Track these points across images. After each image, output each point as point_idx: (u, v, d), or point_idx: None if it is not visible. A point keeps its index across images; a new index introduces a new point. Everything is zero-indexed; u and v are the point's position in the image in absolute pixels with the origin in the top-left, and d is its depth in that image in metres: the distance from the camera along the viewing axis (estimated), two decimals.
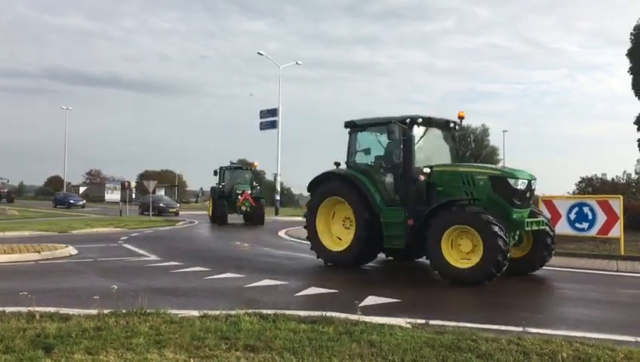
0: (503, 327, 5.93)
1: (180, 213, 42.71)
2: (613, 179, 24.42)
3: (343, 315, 6.07)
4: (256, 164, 33.46)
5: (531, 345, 4.95)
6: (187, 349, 4.77)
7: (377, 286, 9.23)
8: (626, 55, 29.51)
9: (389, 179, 11.06)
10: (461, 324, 5.98)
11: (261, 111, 42.77)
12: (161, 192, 61.57)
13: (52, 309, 6.27)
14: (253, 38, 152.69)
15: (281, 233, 21.72)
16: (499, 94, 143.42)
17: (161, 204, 40.26)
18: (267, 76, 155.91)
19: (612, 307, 7.73)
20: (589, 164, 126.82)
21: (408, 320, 6.09)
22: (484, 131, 70.01)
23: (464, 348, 4.84)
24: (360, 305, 6.71)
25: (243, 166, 34.25)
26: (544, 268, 10.46)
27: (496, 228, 8.85)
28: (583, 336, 5.47)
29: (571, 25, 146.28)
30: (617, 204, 13.00)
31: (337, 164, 11.96)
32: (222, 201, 27.52)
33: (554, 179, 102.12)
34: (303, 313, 6.23)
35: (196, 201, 75.23)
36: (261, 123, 42.56)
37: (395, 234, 10.45)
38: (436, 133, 11.48)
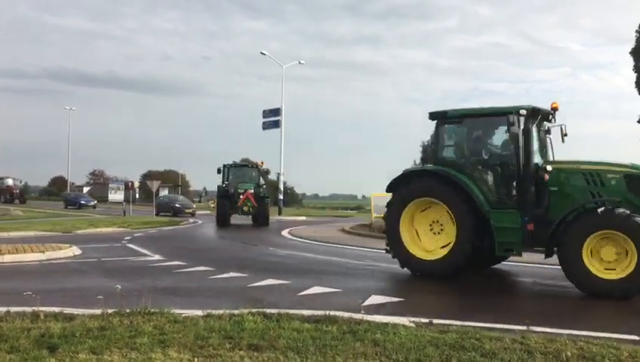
0: (507, 326, 5.93)
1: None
2: None
3: (346, 314, 6.07)
4: (262, 162, 30.07)
5: (535, 344, 4.95)
6: (191, 349, 4.78)
7: (380, 285, 9.22)
8: (630, 53, 29.40)
9: (494, 177, 9.79)
10: (465, 323, 5.98)
11: (264, 111, 42.78)
12: (165, 192, 61.66)
13: (56, 309, 6.29)
14: (254, 38, 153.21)
15: (285, 233, 21.73)
16: (502, 93, 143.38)
17: (176, 205, 38.62)
18: (268, 76, 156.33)
19: (617, 306, 7.70)
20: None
21: (412, 319, 6.09)
22: None
23: (468, 347, 4.83)
24: (363, 304, 6.72)
25: (248, 164, 32.22)
26: (549, 266, 10.37)
27: None
28: (587, 335, 5.47)
29: (574, 23, 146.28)
30: None
31: (425, 161, 10.65)
32: (224, 201, 26.12)
33: None
34: (306, 312, 6.24)
35: (199, 201, 75.31)
36: (264, 122, 42.55)
37: (511, 240, 9.22)
38: (540, 126, 10.05)
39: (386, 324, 5.64)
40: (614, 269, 8.06)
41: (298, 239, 18.99)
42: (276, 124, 41.52)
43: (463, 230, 9.46)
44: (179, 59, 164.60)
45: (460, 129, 10.38)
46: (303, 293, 8.17)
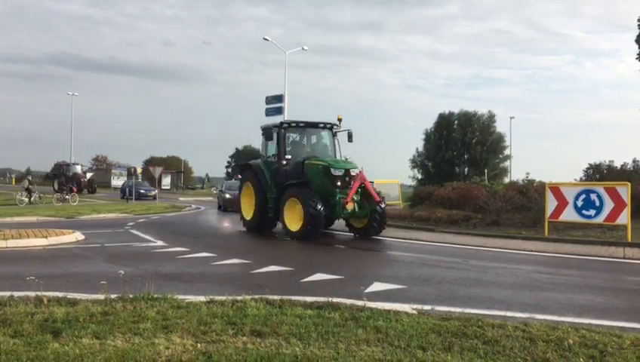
0: (509, 314, 5.93)
1: (187, 199, 42.87)
2: (622, 165, 24.25)
3: (348, 301, 6.08)
4: (340, 116, 15.92)
5: (537, 332, 4.95)
6: (194, 334, 4.79)
7: (383, 272, 9.24)
8: (635, 41, 29.14)
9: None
10: (467, 311, 5.99)
11: (267, 98, 42.60)
12: (167, 179, 61.69)
13: (60, 294, 6.31)
14: (256, 25, 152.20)
15: None
16: (505, 80, 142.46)
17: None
18: (271, 62, 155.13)
19: (618, 294, 7.71)
20: (597, 150, 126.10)
21: (414, 306, 6.10)
22: (491, 118, 69.61)
23: (470, 335, 4.84)
24: (366, 291, 6.73)
25: (324, 123, 16.12)
26: (550, 254, 10.43)
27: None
28: (589, 323, 5.47)
29: (577, 10, 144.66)
30: (625, 191, 12.94)
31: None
32: (272, 190, 15.34)
33: (561, 166, 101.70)
34: (309, 299, 6.25)
35: (202, 187, 75.46)
36: (267, 109, 42.37)
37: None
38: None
39: (389, 311, 5.65)
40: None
41: None
42: (279, 111, 41.35)
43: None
44: (181, 45, 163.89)
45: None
46: (305, 280, 8.19)
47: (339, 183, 14.00)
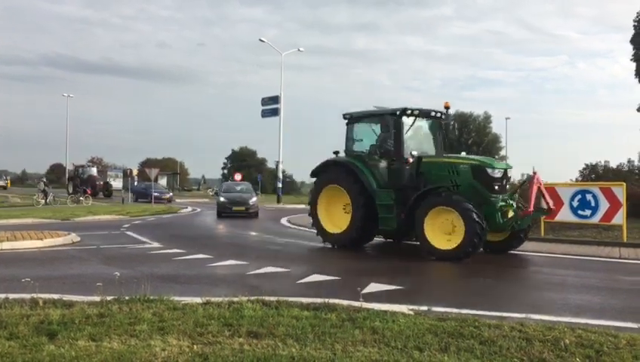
0: (505, 314, 5.94)
1: (183, 200, 42.77)
2: (617, 166, 24.37)
3: (345, 302, 6.08)
4: (447, 103, 12.51)
5: (534, 332, 4.95)
6: (190, 335, 4.78)
7: (379, 273, 9.23)
8: (630, 42, 29.26)
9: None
10: (463, 311, 5.99)
11: (263, 99, 42.70)
12: (164, 180, 61.54)
13: (55, 296, 6.29)
14: (251, 26, 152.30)
15: (284, 220, 21.74)
16: (499, 81, 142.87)
17: (155, 193, 38.08)
18: (267, 63, 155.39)
19: (614, 294, 7.73)
20: (592, 151, 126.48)
21: (411, 306, 6.10)
22: (486, 119, 69.87)
23: (467, 335, 4.84)
24: (362, 292, 6.72)
25: (432, 110, 12.58)
26: (546, 255, 10.45)
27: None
28: (585, 323, 5.48)
29: (571, 10, 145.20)
30: (620, 191, 12.98)
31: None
32: (382, 197, 11.88)
33: (557, 167, 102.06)
34: (305, 300, 6.24)
35: (198, 189, 75.39)
36: (263, 110, 42.50)
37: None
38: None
39: (385, 312, 5.65)
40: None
41: (297, 227, 19.01)
42: (275, 112, 41.46)
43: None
44: (176, 46, 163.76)
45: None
46: (302, 281, 8.19)
47: (497, 187, 10.89)
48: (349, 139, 12.84)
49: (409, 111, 11.86)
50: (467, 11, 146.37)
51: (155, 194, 37.42)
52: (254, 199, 25.02)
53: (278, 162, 42.15)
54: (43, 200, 32.02)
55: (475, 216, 10.06)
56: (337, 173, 12.46)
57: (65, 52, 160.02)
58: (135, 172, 42.99)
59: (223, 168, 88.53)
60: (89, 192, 36.24)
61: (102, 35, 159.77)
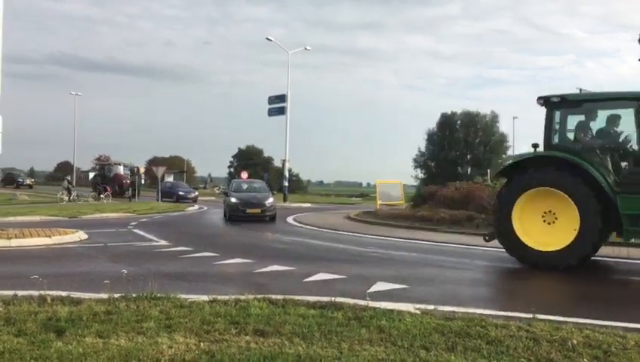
0: (512, 314, 5.92)
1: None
2: None
3: (352, 301, 6.07)
4: None
5: (541, 332, 4.93)
6: (197, 333, 4.79)
7: (386, 272, 9.22)
8: (638, 41, 29.01)
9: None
10: (470, 310, 5.98)
11: (269, 97, 42.73)
12: (170, 178, 61.70)
13: (63, 293, 6.31)
14: (256, 25, 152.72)
15: (290, 219, 21.75)
16: (505, 80, 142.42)
17: (180, 192, 37.51)
18: (272, 62, 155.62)
19: (622, 294, 7.68)
20: None
21: (417, 306, 6.09)
22: (494, 118, 69.53)
23: (473, 335, 4.82)
24: (369, 291, 6.72)
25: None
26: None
27: None
28: (593, 323, 5.45)
29: (576, 9, 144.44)
30: None
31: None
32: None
33: None
34: (312, 298, 6.25)
35: (204, 187, 75.55)
36: (269, 109, 42.52)
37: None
38: None
39: (392, 311, 5.64)
40: None
41: (303, 226, 19.01)
42: (282, 111, 41.47)
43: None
44: (181, 45, 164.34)
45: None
46: (308, 280, 8.19)
47: None
48: (555, 129, 10.05)
49: None
50: (472, 10, 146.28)
51: (181, 193, 36.70)
52: (271, 200, 21.48)
53: (284, 161, 42.14)
54: (66, 198, 33.23)
55: None
56: (551, 173, 9.54)
57: (70, 51, 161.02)
58: (142, 170, 43.09)
59: (230, 166, 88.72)
60: (109, 190, 36.57)
61: (107, 33, 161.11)
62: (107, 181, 41.61)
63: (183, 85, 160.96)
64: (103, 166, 47.39)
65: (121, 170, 45.01)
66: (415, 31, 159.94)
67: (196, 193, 39.33)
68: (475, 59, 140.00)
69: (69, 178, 38.07)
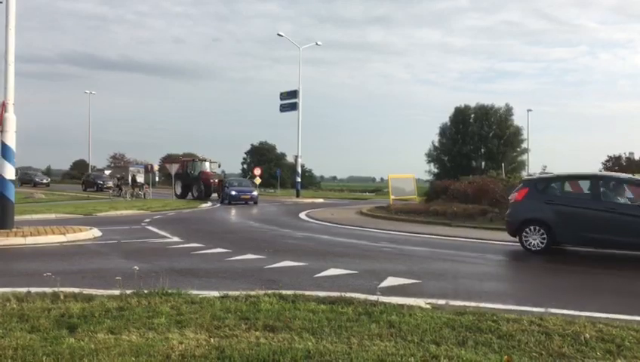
0: (524, 308, 5.86)
1: None
2: None
3: (362, 296, 6.06)
4: None
5: (553, 326, 4.88)
6: (208, 329, 4.81)
7: (398, 267, 9.19)
8: None
9: None
10: (482, 305, 5.93)
11: (281, 93, 42.71)
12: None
13: (76, 290, 6.38)
14: (265, 21, 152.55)
15: (302, 215, 21.77)
16: (518, 73, 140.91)
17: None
18: (282, 58, 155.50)
19: (637, 289, 7.58)
20: (614, 142, 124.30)
21: (428, 300, 6.06)
22: (508, 111, 68.89)
23: (485, 329, 4.79)
24: (379, 286, 6.70)
25: None
26: (567, 248, 10.23)
27: None
28: (606, 317, 5.39)
29: (589, 0, 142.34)
30: None
31: None
32: None
33: (579, 159, 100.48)
34: (322, 294, 6.24)
35: None
36: (281, 105, 42.51)
37: None
38: None
39: (402, 306, 5.62)
40: None
41: (315, 221, 19.02)
42: (294, 107, 41.45)
43: None
44: (190, 42, 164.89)
45: None
46: (319, 275, 8.18)
47: None
48: None
49: None
50: (482, 2, 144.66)
51: (233, 193, 30.95)
52: (255, 193, 30.83)
53: (297, 157, 42.12)
54: (117, 194, 36.60)
55: None
56: None
57: (82, 49, 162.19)
58: (156, 167, 43.35)
59: (243, 163, 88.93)
60: (146, 188, 37.26)
61: (118, 31, 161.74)
62: (191, 180, 35.35)
63: (196, 82, 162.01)
64: (185, 163, 37.40)
65: (207, 166, 36.69)
66: (425, 24, 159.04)
67: (255, 193, 31.99)
68: (487, 51, 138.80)
69: (118, 176, 41.38)
